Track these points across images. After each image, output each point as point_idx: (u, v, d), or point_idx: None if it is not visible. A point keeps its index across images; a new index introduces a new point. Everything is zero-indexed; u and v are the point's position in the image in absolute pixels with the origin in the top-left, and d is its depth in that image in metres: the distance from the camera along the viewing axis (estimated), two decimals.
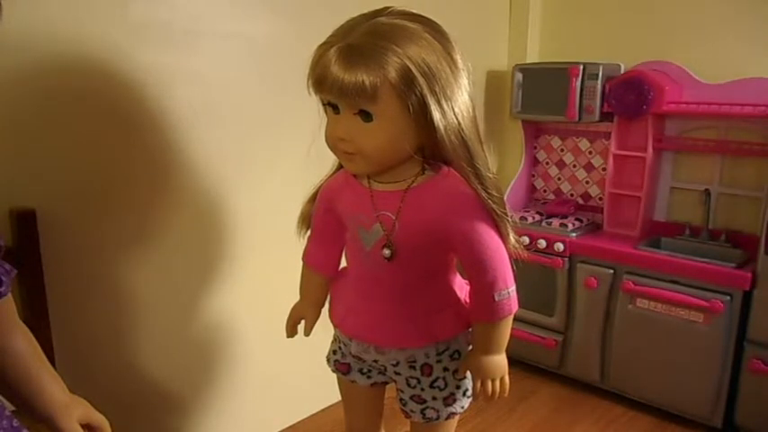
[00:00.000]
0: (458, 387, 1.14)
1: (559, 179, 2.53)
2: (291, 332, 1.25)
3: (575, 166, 2.47)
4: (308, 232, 1.22)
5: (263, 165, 1.70)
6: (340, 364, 1.23)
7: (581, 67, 2.14)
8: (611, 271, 2.08)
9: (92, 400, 0.89)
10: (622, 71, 2.18)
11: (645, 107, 2.05)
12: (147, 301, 1.52)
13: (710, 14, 2.08)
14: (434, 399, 1.14)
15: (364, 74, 0.88)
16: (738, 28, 2.04)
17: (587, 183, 2.45)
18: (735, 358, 1.89)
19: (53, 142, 1.29)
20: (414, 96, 0.90)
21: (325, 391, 1.73)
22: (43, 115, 1.27)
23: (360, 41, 0.89)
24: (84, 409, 0.86)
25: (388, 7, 0.95)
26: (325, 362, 1.28)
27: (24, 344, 0.84)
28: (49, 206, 1.29)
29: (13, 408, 0.81)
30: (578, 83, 2.15)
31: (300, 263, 1.24)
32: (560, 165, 2.51)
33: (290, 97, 1.67)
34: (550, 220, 2.29)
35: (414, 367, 1.12)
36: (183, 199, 1.55)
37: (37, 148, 1.27)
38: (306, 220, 1.21)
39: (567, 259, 2.17)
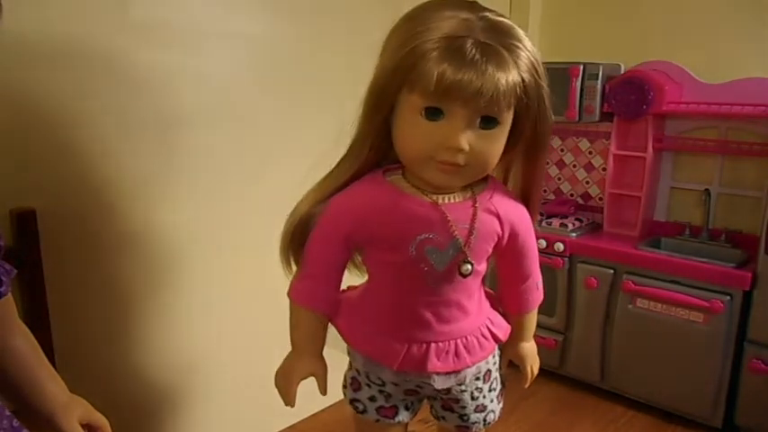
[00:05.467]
0: (501, 382, 1.13)
1: (559, 179, 2.53)
2: (294, 399, 1.04)
3: (575, 166, 2.47)
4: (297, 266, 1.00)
5: (263, 164, 1.70)
6: (386, 409, 1.07)
7: (581, 67, 2.14)
8: (612, 271, 2.08)
9: (92, 400, 0.89)
10: (622, 71, 2.18)
11: (645, 107, 2.05)
12: (147, 302, 1.52)
13: (710, 14, 2.08)
14: (492, 401, 1.10)
15: (516, 75, 0.79)
16: (738, 28, 2.04)
17: (587, 183, 2.45)
18: (735, 358, 1.89)
19: (53, 142, 1.29)
20: (538, 96, 0.86)
21: None
22: (43, 115, 1.27)
23: (493, 40, 0.78)
24: (84, 408, 0.87)
25: (472, 2, 0.84)
26: (352, 408, 1.10)
27: (24, 344, 0.84)
28: (49, 206, 1.29)
29: (13, 408, 0.81)
30: (578, 83, 2.15)
31: None
32: (560, 165, 2.51)
33: (290, 97, 1.67)
34: (550, 220, 2.29)
35: (479, 378, 1.06)
36: (183, 199, 1.55)
37: (37, 148, 1.27)
38: (297, 245, 0.97)
39: (567, 259, 2.17)
